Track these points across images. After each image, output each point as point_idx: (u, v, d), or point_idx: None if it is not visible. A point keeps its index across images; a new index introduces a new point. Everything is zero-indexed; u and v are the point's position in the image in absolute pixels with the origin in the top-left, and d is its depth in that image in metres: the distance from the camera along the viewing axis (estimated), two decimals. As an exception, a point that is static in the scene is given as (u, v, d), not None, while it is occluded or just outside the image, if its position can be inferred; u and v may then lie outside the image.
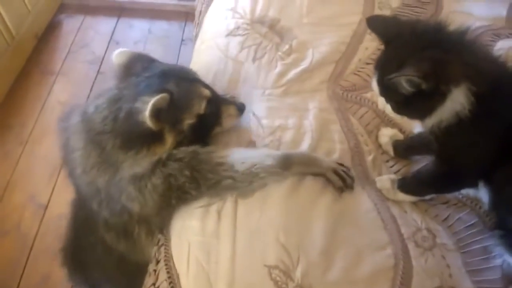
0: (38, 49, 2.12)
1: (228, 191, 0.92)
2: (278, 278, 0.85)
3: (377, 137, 1.04)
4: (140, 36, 2.22)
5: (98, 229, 0.98)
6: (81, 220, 1.04)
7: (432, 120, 0.79)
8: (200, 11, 1.48)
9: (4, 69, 1.89)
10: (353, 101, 1.08)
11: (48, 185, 1.68)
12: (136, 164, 0.88)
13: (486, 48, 0.97)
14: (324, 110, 1.05)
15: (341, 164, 0.96)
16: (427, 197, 0.95)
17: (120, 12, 2.33)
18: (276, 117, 1.03)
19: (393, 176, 0.97)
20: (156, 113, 0.84)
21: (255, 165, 0.91)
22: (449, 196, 0.96)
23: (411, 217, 0.93)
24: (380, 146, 1.03)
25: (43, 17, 2.17)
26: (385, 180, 0.96)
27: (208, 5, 1.43)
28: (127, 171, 0.89)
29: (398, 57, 0.77)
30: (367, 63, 1.15)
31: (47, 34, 2.20)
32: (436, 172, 0.90)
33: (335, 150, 0.99)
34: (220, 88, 1.12)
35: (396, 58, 0.77)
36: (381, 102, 0.85)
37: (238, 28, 1.26)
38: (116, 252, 1.01)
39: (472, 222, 0.93)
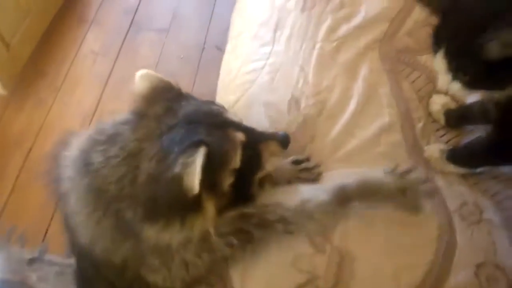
0: (72, -5, 2.09)
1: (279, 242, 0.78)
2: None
3: (428, 104, 0.98)
4: (175, -12, 2.15)
5: None
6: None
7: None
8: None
9: (39, 11, 1.87)
10: (406, 63, 1.02)
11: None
12: (163, 236, 0.71)
13: None
14: (375, 71, 1.00)
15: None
16: (477, 170, 0.90)
17: (156, -39, 2.25)
18: (324, 76, 0.98)
19: (443, 146, 0.92)
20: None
21: (308, 201, 0.79)
22: (500, 170, 0.91)
23: (458, 190, 0.89)
24: (430, 114, 0.97)
25: (79, -38, 2.12)
26: (434, 149, 0.91)
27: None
28: (151, 242, 0.72)
29: (474, 23, 0.69)
30: (424, 26, 1.07)
31: (82, -20, 2.15)
32: (492, 142, 0.84)
33: (383, 114, 0.94)
34: (265, 39, 1.06)
35: (471, 25, 0.69)
36: (444, 81, 0.76)
37: (286, -22, 1.18)
38: None
39: (523, 200, 0.88)
